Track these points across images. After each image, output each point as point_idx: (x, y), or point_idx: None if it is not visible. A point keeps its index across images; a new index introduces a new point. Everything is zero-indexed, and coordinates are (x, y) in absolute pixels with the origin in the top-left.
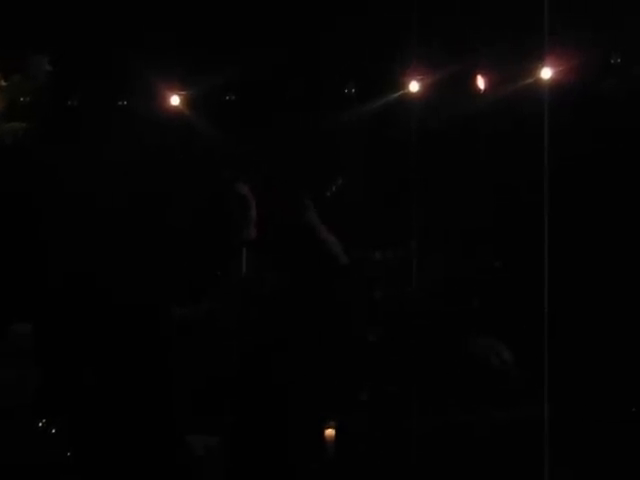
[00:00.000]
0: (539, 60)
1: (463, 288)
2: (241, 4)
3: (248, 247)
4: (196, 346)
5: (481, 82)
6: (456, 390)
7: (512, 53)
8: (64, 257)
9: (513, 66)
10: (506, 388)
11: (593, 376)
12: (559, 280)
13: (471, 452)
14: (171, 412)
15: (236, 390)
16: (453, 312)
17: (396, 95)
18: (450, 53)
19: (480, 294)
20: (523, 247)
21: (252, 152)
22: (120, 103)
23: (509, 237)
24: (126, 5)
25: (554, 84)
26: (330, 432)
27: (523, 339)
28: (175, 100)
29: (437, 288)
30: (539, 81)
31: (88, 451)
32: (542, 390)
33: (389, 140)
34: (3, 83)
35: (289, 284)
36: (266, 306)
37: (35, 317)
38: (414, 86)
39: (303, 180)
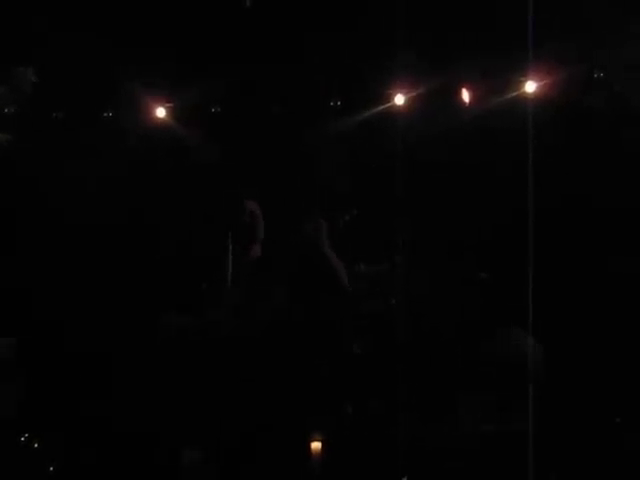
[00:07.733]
0: (523, 74)
1: (450, 300)
2: (227, 18)
3: (252, 264)
4: (188, 355)
5: (466, 95)
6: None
7: (497, 67)
8: (48, 270)
9: (498, 79)
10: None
11: (578, 387)
12: (545, 291)
13: (457, 464)
14: (160, 423)
15: (225, 402)
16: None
17: (381, 108)
18: (435, 66)
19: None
20: (509, 259)
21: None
22: (105, 115)
23: (495, 249)
24: (112, 19)
25: (538, 97)
26: (316, 445)
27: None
28: (161, 112)
29: (424, 300)
30: (523, 94)
31: (70, 466)
32: (527, 401)
33: (375, 154)
34: None
35: (289, 302)
36: (265, 321)
37: (20, 330)
38: (399, 99)
39: (320, 208)
